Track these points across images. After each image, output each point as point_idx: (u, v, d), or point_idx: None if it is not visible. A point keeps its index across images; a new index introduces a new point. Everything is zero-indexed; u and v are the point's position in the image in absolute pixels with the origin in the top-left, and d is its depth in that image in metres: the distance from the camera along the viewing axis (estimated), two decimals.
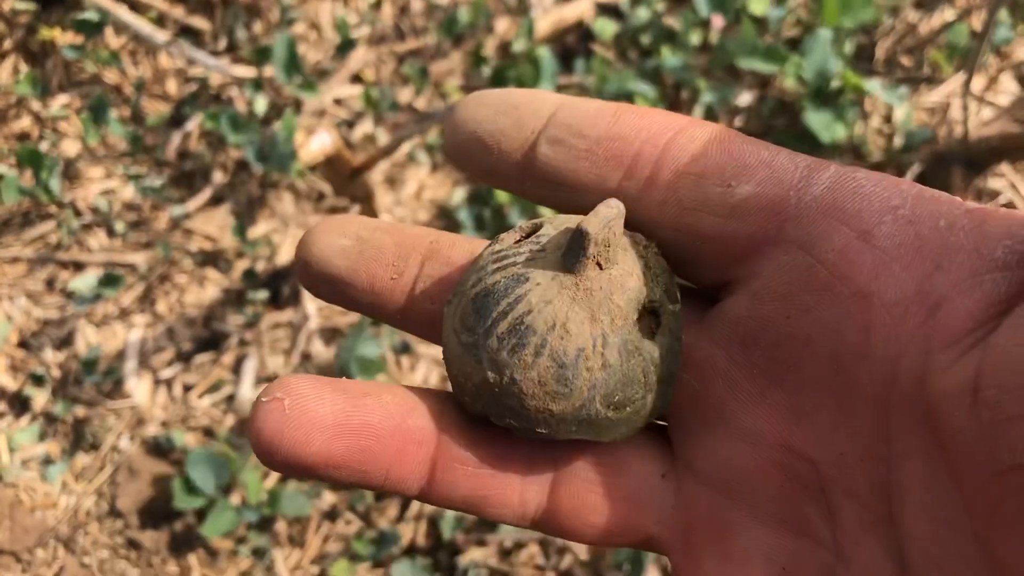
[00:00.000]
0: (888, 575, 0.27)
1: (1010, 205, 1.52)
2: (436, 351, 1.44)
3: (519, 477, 0.32)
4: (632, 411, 0.30)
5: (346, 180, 1.19)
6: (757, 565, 0.29)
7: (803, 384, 0.29)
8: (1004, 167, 1.54)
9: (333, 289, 0.34)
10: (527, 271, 0.30)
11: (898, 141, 1.57)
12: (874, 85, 1.49)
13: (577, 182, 0.32)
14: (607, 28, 1.67)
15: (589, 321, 0.29)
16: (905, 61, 1.69)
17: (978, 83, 1.61)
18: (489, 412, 0.31)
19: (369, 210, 1.41)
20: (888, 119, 1.58)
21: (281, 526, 1.33)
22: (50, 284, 1.50)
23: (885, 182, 0.28)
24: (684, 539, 0.31)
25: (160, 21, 1.66)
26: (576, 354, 0.29)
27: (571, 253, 0.29)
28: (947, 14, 1.73)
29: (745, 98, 1.62)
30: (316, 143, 1.06)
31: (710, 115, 1.58)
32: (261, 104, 1.55)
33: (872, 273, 0.27)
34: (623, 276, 0.30)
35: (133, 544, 1.30)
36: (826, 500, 0.29)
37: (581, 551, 1.28)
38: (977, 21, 1.72)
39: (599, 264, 0.29)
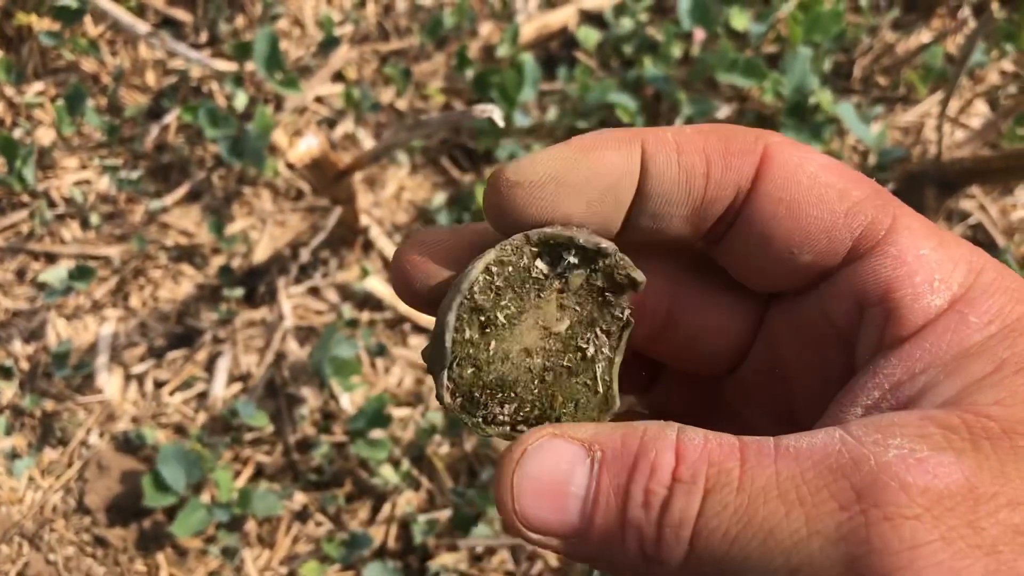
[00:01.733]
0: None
1: (979, 227, 1.55)
2: (410, 353, 1.44)
3: None
4: None
5: (331, 182, 1.18)
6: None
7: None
8: (975, 189, 1.57)
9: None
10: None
11: (872, 159, 1.59)
12: (847, 110, 1.51)
13: (672, 236, 0.36)
14: (590, 36, 1.67)
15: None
16: (881, 80, 1.72)
17: (952, 105, 1.65)
18: None
19: (352, 212, 1.40)
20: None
21: (251, 526, 1.32)
22: (20, 274, 1.47)
23: (900, 270, 0.32)
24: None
25: (140, 11, 1.64)
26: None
27: None
28: (923, 36, 1.76)
29: (724, 111, 1.63)
30: (303, 145, 1.06)
31: None
32: (241, 99, 1.54)
33: (851, 328, 0.34)
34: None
35: (100, 542, 1.28)
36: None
37: (551, 558, 1.29)
38: (952, 44, 1.75)
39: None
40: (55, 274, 1.40)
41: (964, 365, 0.30)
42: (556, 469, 0.31)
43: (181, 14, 1.66)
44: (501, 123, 0.82)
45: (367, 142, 1.60)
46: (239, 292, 1.43)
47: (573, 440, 0.31)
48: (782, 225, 0.33)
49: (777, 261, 0.34)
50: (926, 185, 1.53)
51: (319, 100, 1.64)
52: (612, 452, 0.30)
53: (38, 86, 1.59)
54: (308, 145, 1.06)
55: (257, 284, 1.47)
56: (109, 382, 1.40)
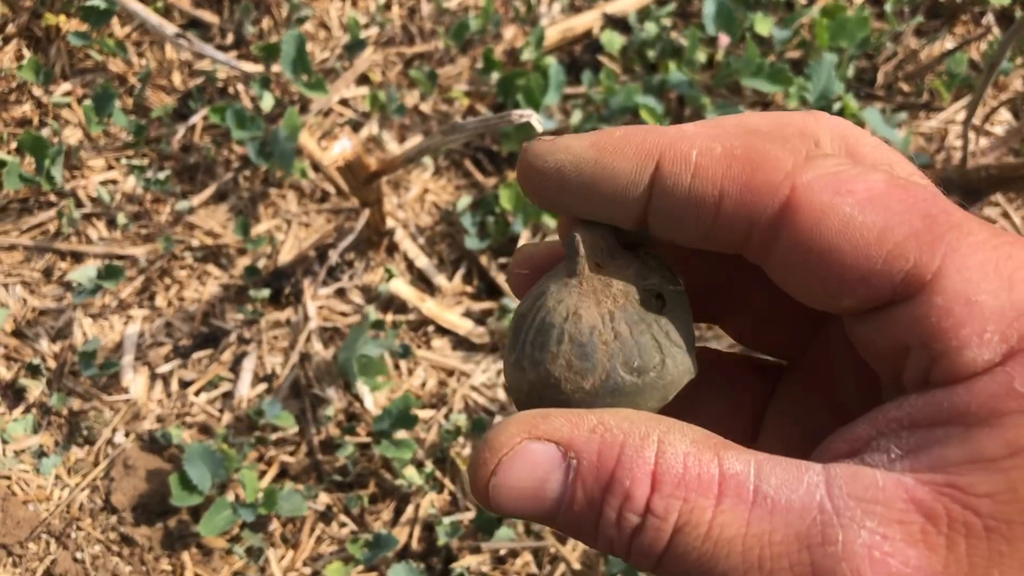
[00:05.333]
0: None
1: None
2: (434, 355, 1.44)
3: None
4: (656, 375, 0.34)
5: (362, 184, 1.19)
6: None
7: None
8: (998, 196, 1.57)
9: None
10: (543, 288, 0.35)
11: None
12: (873, 115, 1.51)
13: (694, 247, 0.34)
14: (614, 41, 1.68)
15: (595, 305, 0.34)
16: (905, 87, 1.71)
17: (976, 113, 1.64)
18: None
19: (378, 214, 1.41)
20: (887, 143, 1.60)
21: (275, 526, 1.33)
22: (47, 273, 1.48)
23: (945, 322, 0.29)
24: None
25: (167, 12, 1.65)
26: (590, 331, 0.34)
27: (569, 261, 0.35)
28: (947, 42, 1.76)
29: None
30: (338, 148, 1.06)
31: None
32: (268, 101, 1.54)
33: (897, 359, 0.31)
34: (619, 270, 0.35)
35: (126, 540, 1.29)
36: None
37: (574, 560, 1.29)
38: (976, 51, 1.75)
39: (597, 264, 0.35)
40: (84, 273, 1.40)
41: (982, 436, 0.28)
42: (532, 475, 0.31)
43: (208, 16, 1.67)
44: (540, 128, 0.82)
45: (391, 145, 1.61)
46: (265, 293, 1.43)
47: (549, 442, 0.31)
48: (815, 272, 0.31)
49: (817, 300, 0.32)
50: (950, 192, 1.53)
51: (344, 103, 1.65)
52: (588, 463, 0.30)
53: (66, 86, 1.60)
54: (343, 147, 1.07)
55: (282, 285, 1.47)
56: (135, 381, 1.41)
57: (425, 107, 1.66)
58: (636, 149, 0.32)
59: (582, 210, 0.34)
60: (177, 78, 1.65)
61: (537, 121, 0.82)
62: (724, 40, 1.64)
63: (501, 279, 1.49)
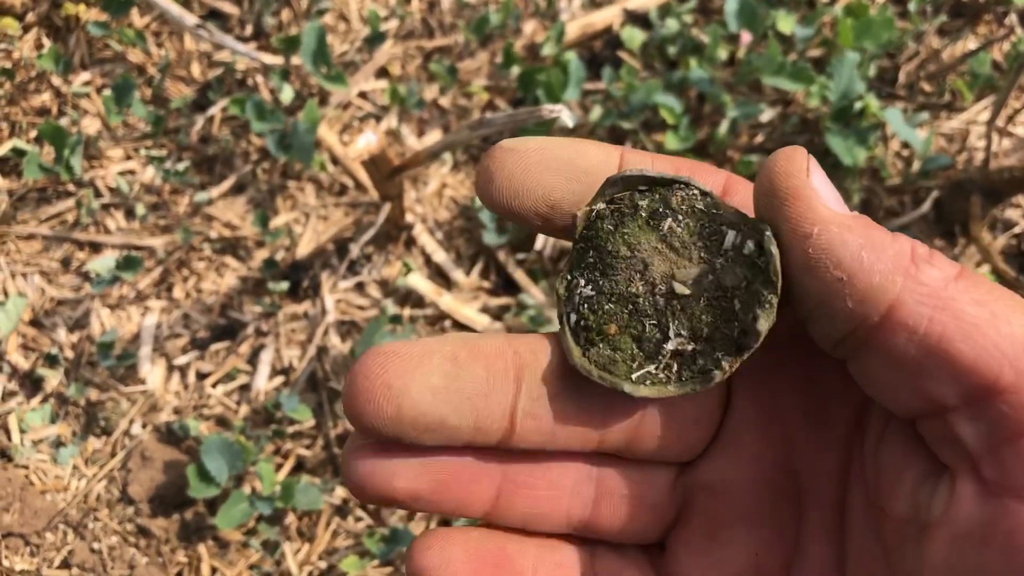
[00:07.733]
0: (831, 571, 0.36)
1: None
2: None
3: (567, 494, 0.38)
4: None
5: (385, 179, 1.18)
6: (737, 549, 0.38)
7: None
8: (1020, 198, 1.56)
9: (436, 436, 0.35)
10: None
11: (916, 166, 1.58)
12: (894, 115, 1.50)
13: None
14: (635, 37, 1.67)
15: None
16: (927, 87, 1.70)
17: (999, 114, 1.63)
18: None
19: (398, 208, 1.40)
20: (908, 143, 1.59)
21: (291, 520, 1.32)
22: (65, 263, 1.48)
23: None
24: (680, 527, 0.39)
25: (186, 3, 1.64)
26: None
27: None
28: (970, 42, 1.75)
29: (768, 114, 1.62)
30: (362, 141, 1.06)
31: (734, 130, 1.58)
32: (287, 93, 1.54)
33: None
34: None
35: (143, 531, 1.29)
36: (799, 506, 0.38)
37: None
38: (999, 52, 1.74)
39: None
40: (103, 264, 1.40)
41: None
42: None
43: (227, 7, 1.67)
44: (570, 123, 0.82)
45: (410, 139, 1.60)
46: (283, 285, 1.43)
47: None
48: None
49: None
50: (972, 193, 1.52)
51: (363, 96, 1.64)
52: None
53: (85, 76, 1.60)
54: (367, 141, 1.06)
55: (301, 278, 1.47)
56: (152, 373, 1.40)
57: (444, 101, 1.65)
58: (600, 146, 0.38)
59: (557, 187, 0.37)
60: (196, 69, 1.65)
61: (568, 116, 0.81)
62: (746, 37, 1.63)
63: (519, 274, 1.48)
